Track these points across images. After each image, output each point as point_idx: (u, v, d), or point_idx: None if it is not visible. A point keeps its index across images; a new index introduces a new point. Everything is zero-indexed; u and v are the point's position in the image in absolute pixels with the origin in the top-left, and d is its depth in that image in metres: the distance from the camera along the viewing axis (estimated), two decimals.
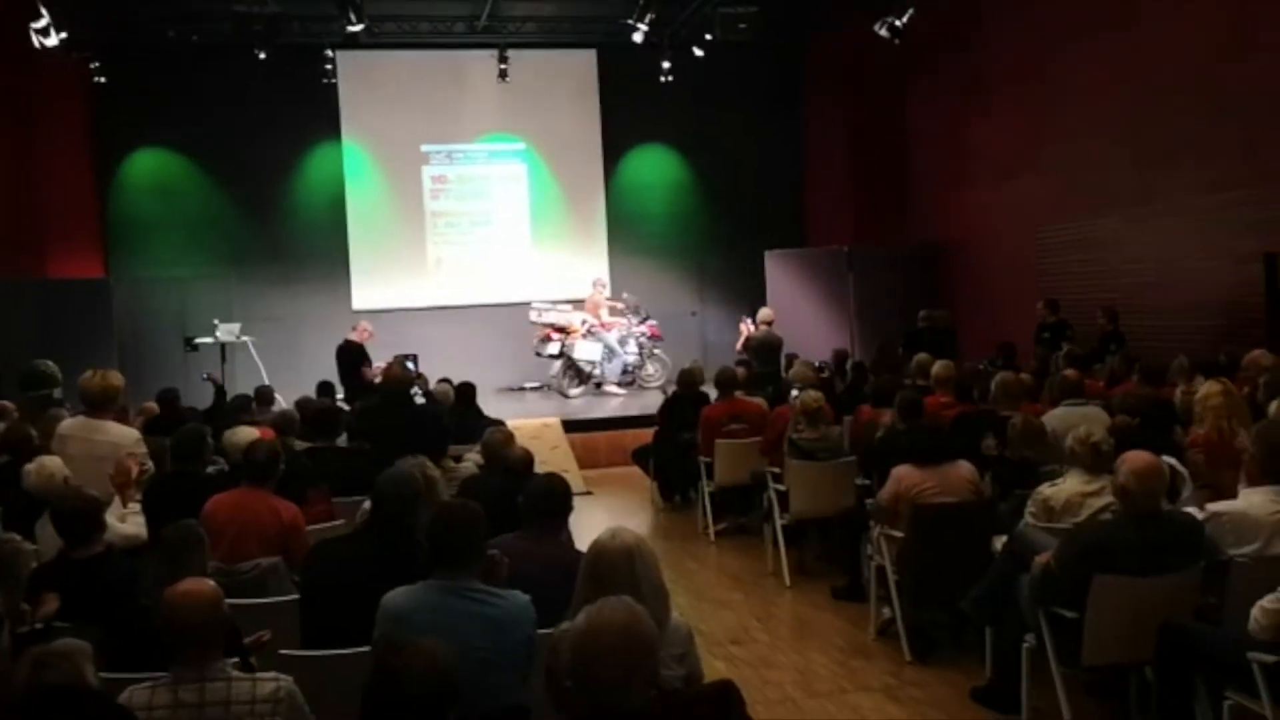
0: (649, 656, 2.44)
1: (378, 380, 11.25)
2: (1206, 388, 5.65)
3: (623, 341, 15.14)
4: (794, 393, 8.04)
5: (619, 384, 15.02)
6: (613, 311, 15.26)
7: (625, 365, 15.08)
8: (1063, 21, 12.23)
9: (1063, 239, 12.40)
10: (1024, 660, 4.56)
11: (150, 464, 5.84)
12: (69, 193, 15.21)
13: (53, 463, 5.25)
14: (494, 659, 3.22)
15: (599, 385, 15.03)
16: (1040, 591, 4.32)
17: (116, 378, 6.09)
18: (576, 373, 15.07)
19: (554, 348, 14.94)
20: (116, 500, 5.17)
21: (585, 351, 14.93)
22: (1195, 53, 10.33)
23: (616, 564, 3.07)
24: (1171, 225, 10.70)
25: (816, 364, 11.77)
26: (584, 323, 15.05)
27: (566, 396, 14.94)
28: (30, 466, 5.22)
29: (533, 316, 15.14)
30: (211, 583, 3.14)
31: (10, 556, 4.21)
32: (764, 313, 13.63)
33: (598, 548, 3.14)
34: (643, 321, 15.35)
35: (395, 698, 2.44)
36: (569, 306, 15.45)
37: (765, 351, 12.37)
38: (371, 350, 12.06)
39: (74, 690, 2.59)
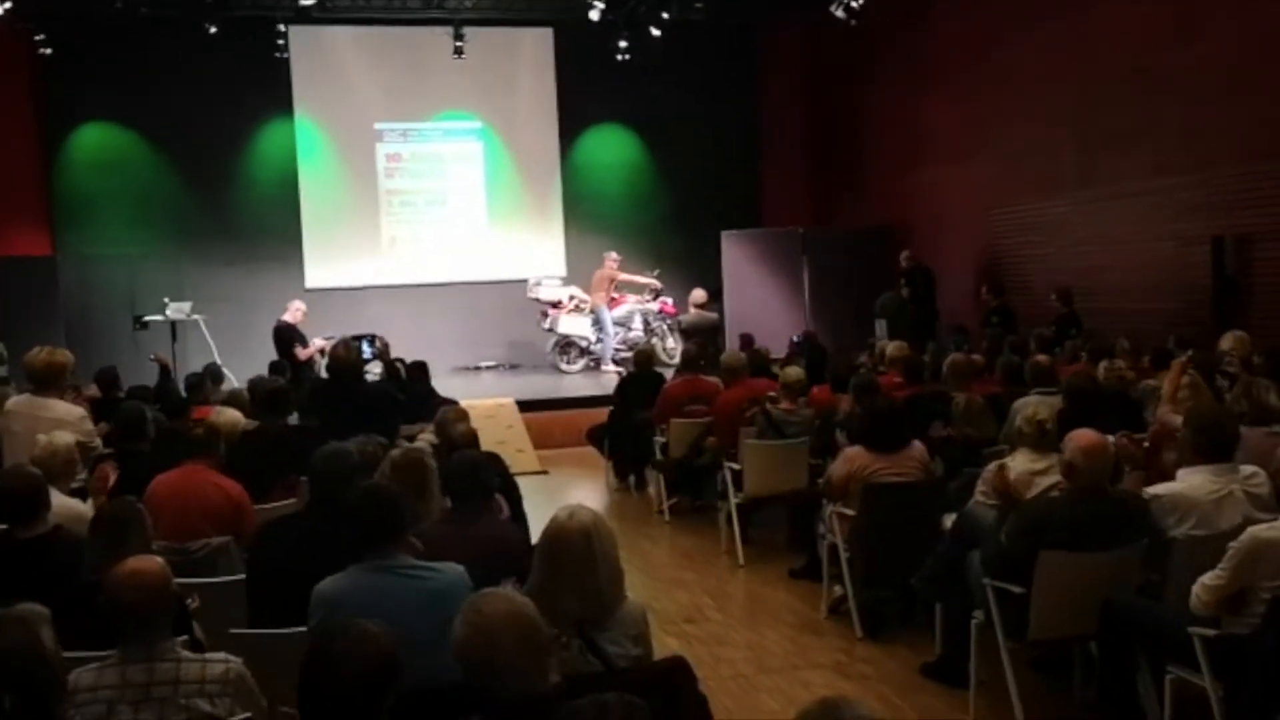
0: (538, 644, 2.44)
1: (305, 359, 11.32)
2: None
3: (626, 319, 15.12)
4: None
5: (615, 362, 14.85)
6: (621, 286, 15.18)
7: (616, 344, 14.93)
8: (1010, 5, 12.34)
9: (1013, 222, 12.54)
10: (972, 635, 4.62)
11: (98, 442, 5.78)
12: (14, 167, 14.90)
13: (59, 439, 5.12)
14: (434, 634, 3.20)
15: (597, 364, 15.01)
16: (990, 566, 4.38)
17: (62, 355, 6.02)
18: (571, 348, 15.07)
19: (548, 323, 15.00)
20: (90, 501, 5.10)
21: (569, 326, 14.96)
22: (1138, 37, 10.47)
23: (573, 543, 3.05)
24: (1118, 209, 10.85)
25: (793, 338, 11.95)
26: (571, 298, 15.06)
27: (561, 372, 14.96)
28: (43, 438, 5.13)
29: (528, 293, 15.14)
30: (160, 560, 3.10)
31: None
32: (696, 294, 13.72)
33: (555, 526, 3.12)
34: (656, 298, 15.31)
35: (334, 681, 2.42)
36: (559, 281, 15.45)
37: (699, 334, 12.47)
38: (324, 330, 11.96)
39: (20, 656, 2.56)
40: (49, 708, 2.60)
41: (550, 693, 2.39)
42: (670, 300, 15.47)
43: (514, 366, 16.22)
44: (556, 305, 15.08)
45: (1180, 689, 3.90)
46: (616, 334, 14.98)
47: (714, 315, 13.70)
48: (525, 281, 15.62)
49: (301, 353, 11.46)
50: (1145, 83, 10.33)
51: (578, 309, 15.06)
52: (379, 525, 3.38)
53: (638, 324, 15.24)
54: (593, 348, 15.08)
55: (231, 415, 6.11)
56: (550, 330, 15.14)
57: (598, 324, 14.98)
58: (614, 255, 15.12)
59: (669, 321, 15.31)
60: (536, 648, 2.41)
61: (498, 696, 2.34)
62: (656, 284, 15.43)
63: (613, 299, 15.10)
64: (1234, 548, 3.67)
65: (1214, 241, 9.53)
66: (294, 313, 11.96)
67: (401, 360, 10.12)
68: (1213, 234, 9.56)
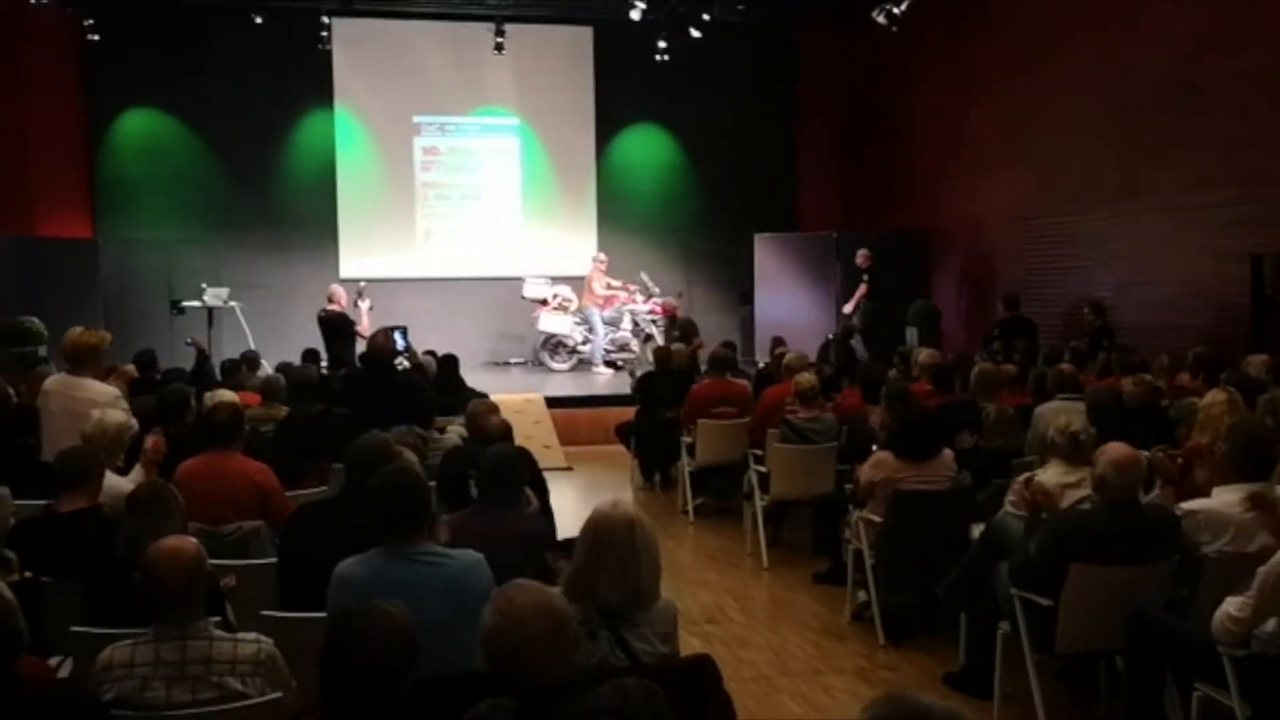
0: (565, 632, 2.45)
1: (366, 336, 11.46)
2: (1210, 396, 5.61)
3: (616, 319, 15.14)
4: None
5: (605, 363, 14.97)
6: (611, 287, 15.21)
7: (605, 344, 15.01)
8: (1052, 15, 12.26)
9: (1050, 232, 12.45)
10: (998, 646, 4.61)
11: (134, 422, 5.84)
12: (58, 151, 15.11)
13: (112, 417, 5.19)
14: (455, 622, 3.23)
15: (586, 362, 15.06)
16: (1018, 577, 4.37)
17: (97, 335, 6.09)
18: (561, 347, 15.14)
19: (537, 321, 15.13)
20: (138, 470, 5.17)
21: (550, 324, 15.04)
22: (1181, 49, 10.35)
23: (618, 533, 3.06)
24: (1157, 222, 10.75)
25: (828, 335, 11.94)
26: (555, 295, 15.12)
27: (550, 369, 15.03)
28: (96, 414, 5.21)
29: (523, 291, 15.24)
30: (194, 540, 3.15)
31: None
32: (670, 301, 13.72)
33: (599, 517, 3.13)
34: (648, 299, 15.32)
35: (356, 659, 2.46)
36: (547, 280, 15.48)
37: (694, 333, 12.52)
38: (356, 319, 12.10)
39: None
40: (14, 656, 2.65)
41: (573, 682, 2.42)
42: (664, 302, 15.38)
43: (542, 363, 16.26)
44: (543, 303, 15.15)
45: (1207, 707, 3.87)
46: (607, 334, 15.01)
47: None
48: (557, 278, 15.70)
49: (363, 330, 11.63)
50: (1187, 95, 10.23)
51: (561, 307, 15.12)
52: (400, 513, 3.41)
53: (627, 324, 15.24)
54: (580, 348, 15.13)
55: (224, 395, 6.19)
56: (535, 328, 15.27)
57: (586, 324, 15.04)
58: (601, 257, 15.24)
59: (660, 322, 15.26)
60: (564, 640, 2.43)
61: (522, 685, 2.37)
62: (637, 284, 15.33)
63: (607, 299, 15.12)
64: (1262, 574, 3.61)
65: (1253, 260, 9.42)
66: (338, 300, 12.13)
67: (433, 353, 10.19)
68: (1252, 252, 9.45)
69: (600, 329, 14.93)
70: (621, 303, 15.21)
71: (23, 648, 2.71)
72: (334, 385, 7.45)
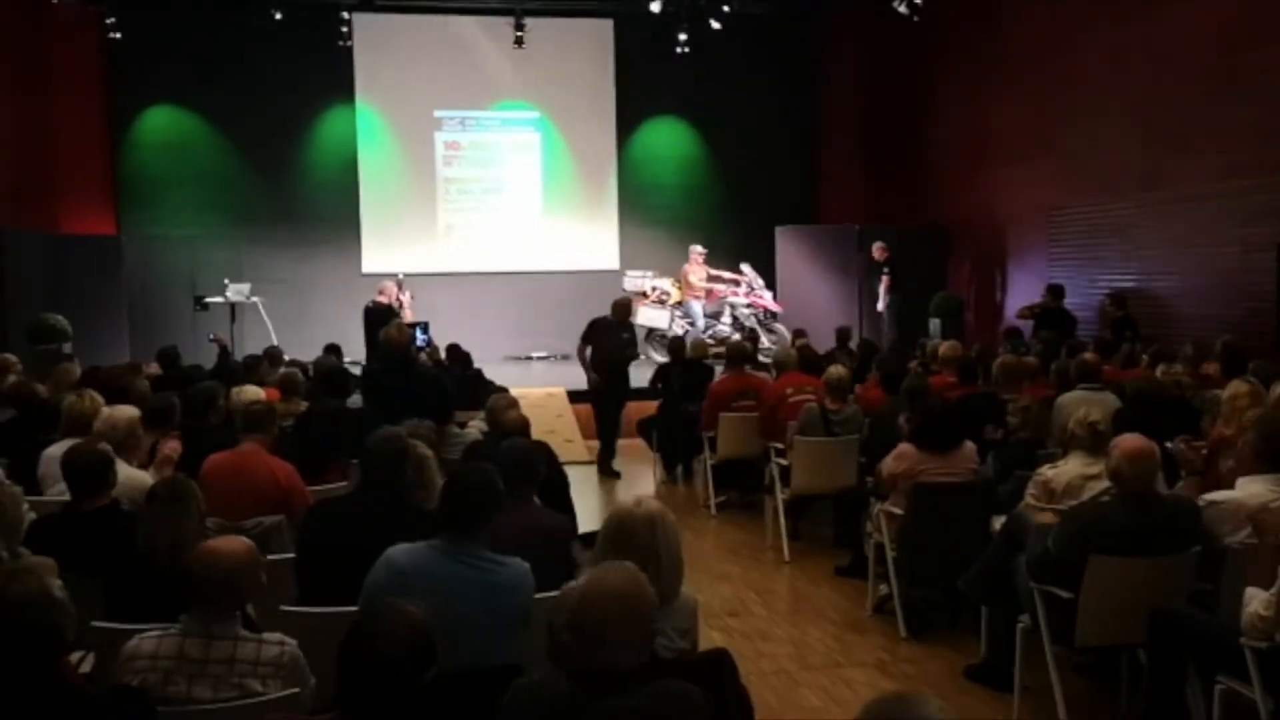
0: (646, 623, 2.47)
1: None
2: (1234, 388, 5.56)
3: (715, 313, 15.10)
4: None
5: None
6: (712, 278, 15.16)
7: (707, 338, 14.92)
8: (1077, 6, 12.15)
9: (1074, 222, 12.35)
10: (1018, 640, 4.58)
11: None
12: (82, 148, 15.23)
13: (121, 412, 5.22)
14: (488, 624, 3.24)
15: None
16: (1037, 570, 4.34)
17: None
18: (664, 339, 15.12)
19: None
20: (153, 472, 5.20)
21: (648, 318, 14.98)
22: (1211, 38, 10.25)
23: (639, 531, 3.07)
24: (1183, 211, 10.65)
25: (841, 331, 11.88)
26: (654, 289, 15.09)
27: (653, 361, 15.02)
28: (105, 411, 5.23)
29: (623, 285, 15.26)
30: (249, 543, 3.15)
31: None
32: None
33: (622, 514, 3.14)
34: (749, 293, 15.26)
35: (372, 661, 2.47)
36: (646, 274, 15.45)
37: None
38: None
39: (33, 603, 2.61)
40: (56, 653, 2.67)
41: (640, 671, 2.44)
42: (768, 295, 15.25)
43: (565, 357, 16.25)
44: (642, 296, 15.13)
45: (1229, 700, 3.84)
46: (708, 328, 14.93)
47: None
48: (578, 272, 15.81)
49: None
50: (1215, 84, 10.13)
51: (659, 301, 15.12)
52: (462, 512, 3.44)
53: (726, 317, 15.20)
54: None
55: (253, 392, 6.23)
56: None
57: (687, 317, 15.01)
58: (698, 249, 15.09)
59: (760, 314, 15.16)
60: (630, 628, 2.45)
61: (599, 662, 2.39)
62: (740, 277, 15.24)
63: (709, 292, 15.07)
64: None
65: (1279, 249, 9.33)
66: (388, 294, 12.15)
67: (456, 346, 10.22)
68: (1278, 240, 9.36)
69: (700, 321, 14.86)
70: (722, 296, 15.18)
71: (65, 645, 2.71)
72: (353, 380, 7.47)
